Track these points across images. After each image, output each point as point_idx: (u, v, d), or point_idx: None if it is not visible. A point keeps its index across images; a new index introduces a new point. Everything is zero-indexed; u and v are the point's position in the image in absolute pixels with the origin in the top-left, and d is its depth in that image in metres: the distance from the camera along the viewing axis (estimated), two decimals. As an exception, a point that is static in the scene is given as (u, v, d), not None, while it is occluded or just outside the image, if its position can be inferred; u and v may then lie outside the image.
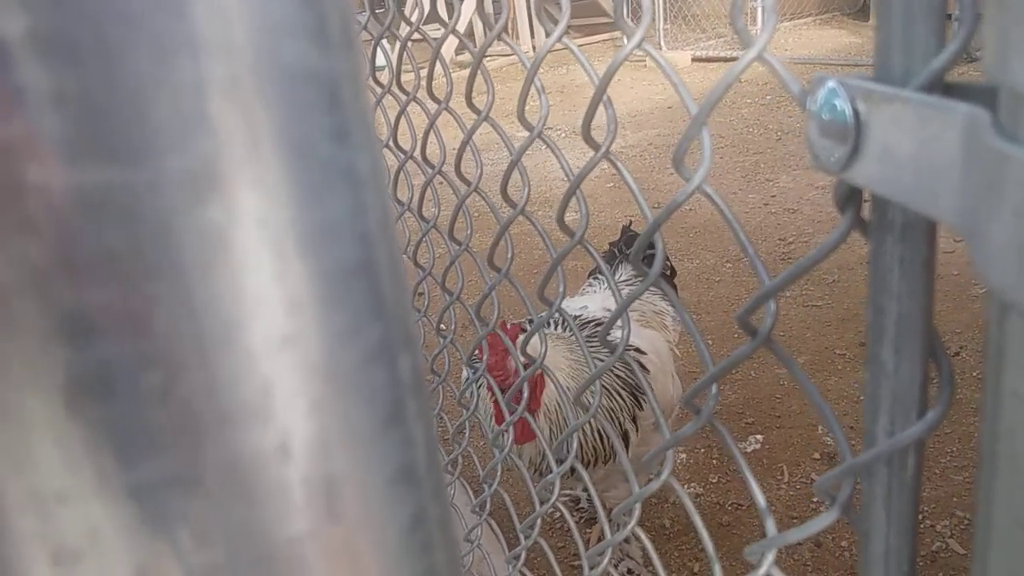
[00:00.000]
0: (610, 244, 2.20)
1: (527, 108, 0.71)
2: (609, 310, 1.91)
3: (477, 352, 1.24)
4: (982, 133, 0.29)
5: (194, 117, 0.17)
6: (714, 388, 0.63)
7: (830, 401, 2.53)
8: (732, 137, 5.10)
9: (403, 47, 0.99)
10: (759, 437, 2.47)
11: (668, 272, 2.24)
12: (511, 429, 1.09)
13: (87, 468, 0.18)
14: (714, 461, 2.40)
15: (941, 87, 0.38)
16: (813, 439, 2.42)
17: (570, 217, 0.80)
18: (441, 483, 0.25)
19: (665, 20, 8.24)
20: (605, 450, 1.62)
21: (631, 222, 2.35)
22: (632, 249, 0.66)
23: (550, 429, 1.52)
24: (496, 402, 1.30)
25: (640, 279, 2.10)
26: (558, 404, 1.50)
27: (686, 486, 2.35)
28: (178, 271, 0.17)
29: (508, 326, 1.43)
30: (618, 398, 1.63)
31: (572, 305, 1.92)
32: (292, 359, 0.19)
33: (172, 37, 0.16)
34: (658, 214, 0.61)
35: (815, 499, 2.15)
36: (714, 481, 2.32)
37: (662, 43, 8.28)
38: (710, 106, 0.52)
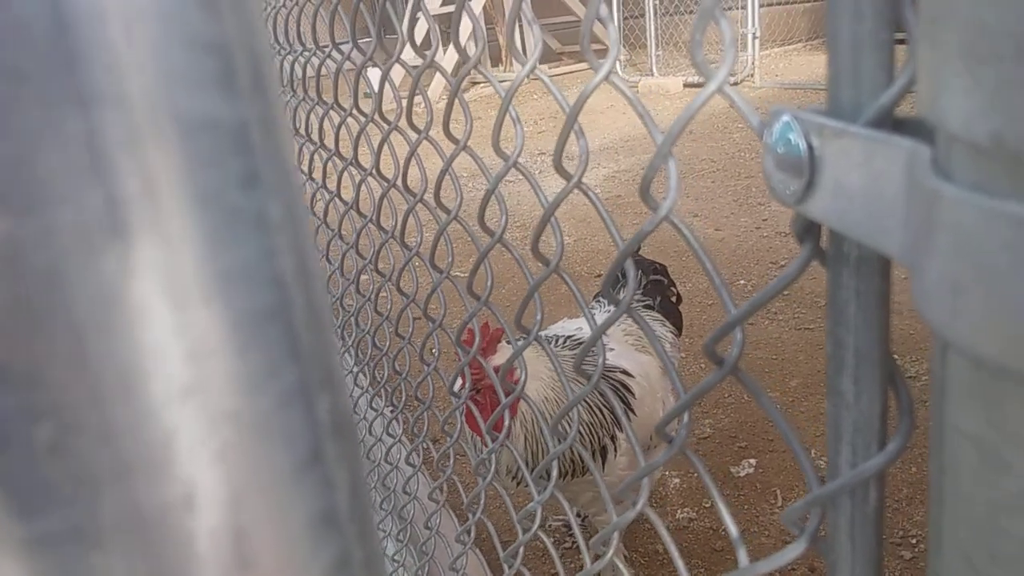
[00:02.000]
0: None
1: (530, 134, 0.72)
2: (606, 333, 1.91)
3: (460, 379, 1.24)
4: (920, 170, 0.29)
5: (85, 168, 0.17)
6: (686, 417, 0.63)
7: (821, 425, 2.52)
8: (724, 161, 5.12)
9: (416, 79, 0.98)
10: (752, 461, 2.46)
11: (675, 299, 2.24)
12: (492, 457, 1.08)
13: (-18, 522, 0.17)
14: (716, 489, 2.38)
15: (890, 121, 0.38)
16: (827, 456, 2.41)
17: (565, 241, 0.80)
18: (368, 525, 0.24)
19: (657, 47, 8.32)
20: (584, 461, 1.62)
21: (639, 248, 2.35)
22: (603, 278, 0.66)
23: (524, 438, 1.52)
24: (472, 402, 1.32)
25: (642, 304, 2.11)
26: (538, 413, 1.51)
27: (680, 511, 2.33)
28: (70, 323, 0.17)
29: (491, 329, 1.44)
30: (598, 414, 1.63)
31: (568, 327, 1.92)
32: (196, 408, 0.19)
33: (61, 91, 0.16)
34: (627, 244, 0.61)
35: (806, 518, 2.13)
36: (708, 506, 2.30)
37: (654, 69, 8.35)
38: (673, 138, 0.52)
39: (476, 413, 1.26)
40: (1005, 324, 0.24)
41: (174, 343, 0.18)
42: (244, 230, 0.19)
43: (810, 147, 0.41)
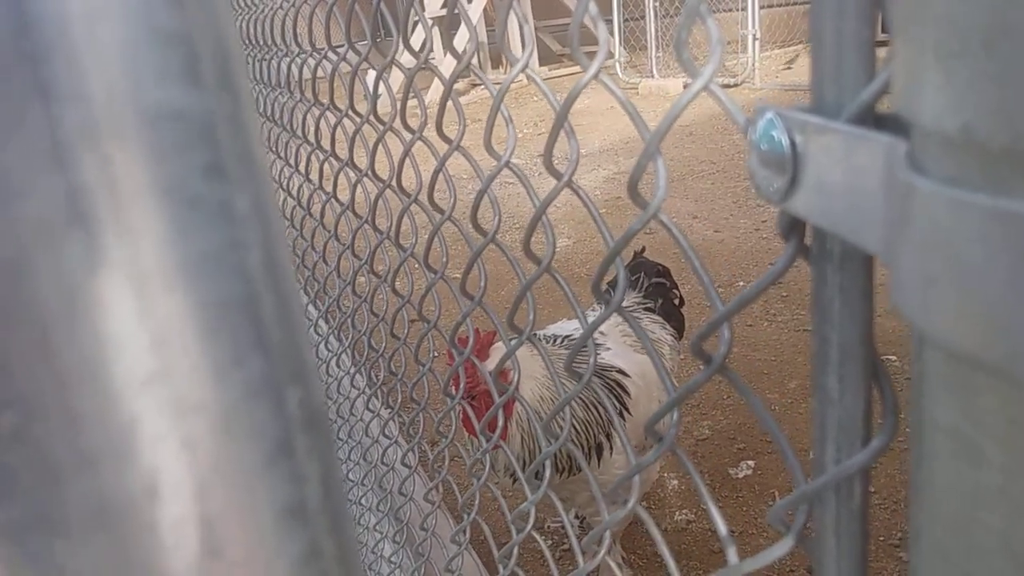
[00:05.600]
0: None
1: (530, 136, 0.72)
2: (603, 333, 1.91)
3: (453, 382, 1.24)
4: (896, 165, 0.30)
5: (46, 161, 0.17)
6: (675, 415, 0.63)
7: (821, 426, 2.52)
8: (723, 163, 5.13)
9: (410, 80, 0.98)
10: (751, 463, 2.45)
11: (677, 301, 2.24)
12: (487, 457, 1.08)
13: (-55, 511, 0.17)
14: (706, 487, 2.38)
15: (872, 118, 0.38)
16: (805, 464, 2.40)
17: (562, 243, 0.81)
18: (341, 518, 0.24)
19: (657, 48, 8.33)
20: (583, 456, 1.63)
21: (644, 248, 2.35)
22: (593, 277, 0.66)
23: (521, 438, 1.52)
24: (468, 405, 1.32)
25: (643, 306, 2.10)
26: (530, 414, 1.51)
27: (678, 512, 2.33)
28: (33, 313, 0.17)
29: (482, 333, 1.44)
30: (594, 411, 1.63)
31: (566, 327, 1.92)
32: (159, 396, 0.19)
33: (22, 86, 0.16)
34: (616, 243, 0.61)
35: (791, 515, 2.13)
36: (706, 508, 2.30)
37: (654, 71, 8.36)
38: (659, 136, 0.52)
39: (472, 416, 1.27)
40: (977, 316, 0.24)
41: (137, 331, 0.18)
42: (208, 220, 0.19)
43: (793, 144, 0.41)
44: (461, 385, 1.22)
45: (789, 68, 8.32)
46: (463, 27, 5.94)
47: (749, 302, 0.48)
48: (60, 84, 0.17)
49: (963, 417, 0.27)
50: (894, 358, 2.57)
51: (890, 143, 0.32)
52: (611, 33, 8.58)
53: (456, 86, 0.87)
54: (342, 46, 1.21)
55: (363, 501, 1.80)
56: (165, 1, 0.18)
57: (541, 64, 9.55)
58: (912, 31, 0.28)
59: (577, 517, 2.32)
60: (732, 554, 0.60)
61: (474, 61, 0.82)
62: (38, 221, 0.17)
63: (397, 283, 1.29)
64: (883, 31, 0.39)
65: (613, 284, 2.01)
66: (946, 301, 0.26)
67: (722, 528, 0.61)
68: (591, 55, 0.59)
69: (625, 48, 8.85)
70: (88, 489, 0.18)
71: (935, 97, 0.26)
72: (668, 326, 2.12)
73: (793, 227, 0.45)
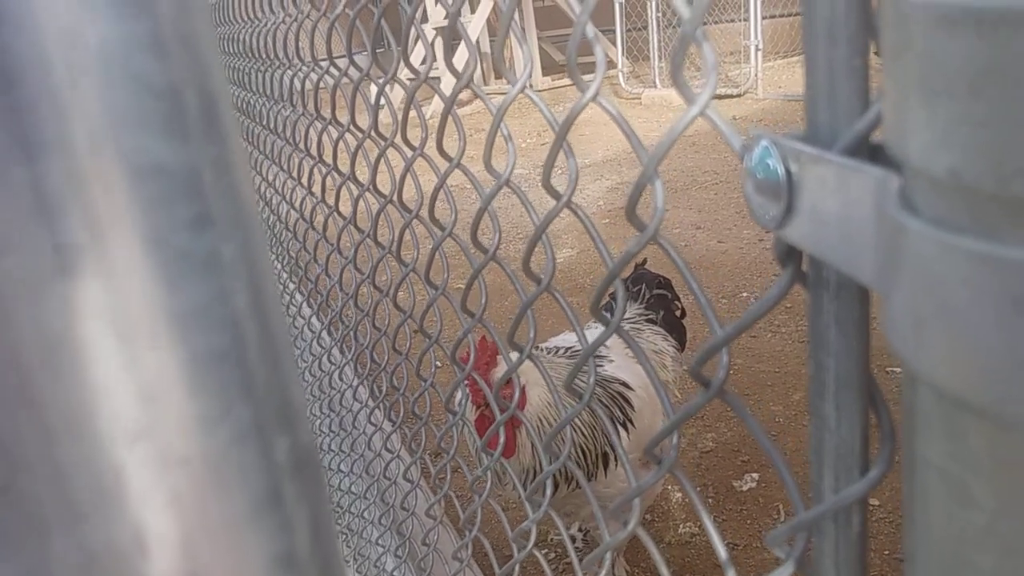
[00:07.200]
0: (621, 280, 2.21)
1: (533, 145, 0.72)
2: (606, 345, 1.91)
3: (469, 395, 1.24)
4: (888, 201, 0.30)
5: (31, 214, 0.17)
6: (675, 438, 0.63)
7: (825, 438, 2.51)
8: (726, 173, 5.13)
9: (411, 96, 0.99)
10: (755, 476, 2.45)
11: (679, 313, 2.23)
12: (488, 474, 1.08)
13: (-73, 567, 0.17)
14: (710, 500, 2.37)
15: (867, 148, 0.38)
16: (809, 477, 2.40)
17: (565, 254, 0.81)
18: (331, 564, 0.24)
19: (660, 59, 8.34)
20: (587, 465, 1.62)
21: (645, 260, 2.34)
22: (592, 299, 0.66)
23: (532, 445, 1.52)
24: (480, 418, 1.32)
25: (645, 318, 2.10)
26: (540, 419, 1.51)
27: (682, 526, 2.32)
28: (15, 364, 0.17)
29: (488, 342, 1.44)
30: (600, 419, 1.63)
31: (569, 339, 1.92)
32: (146, 449, 0.19)
33: (5, 139, 0.16)
34: (614, 265, 0.61)
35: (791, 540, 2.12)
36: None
37: (657, 81, 8.37)
38: (658, 159, 0.52)
39: (473, 431, 1.26)
40: (966, 358, 0.24)
41: (123, 382, 0.18)
42: (194, 272, 0.19)
43: (788, 172, 0.41)
44: (467, 401, 1.22)
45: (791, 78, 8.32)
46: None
47: (747, 327, 0.48)
48: (44, 136, 0.17)
49: (952, 457, 0.27)
50: (899, 370, 2.55)
51: (882, 177, 0.32)
52: (613, 43, 8.59)
53: (458, 96, 0.88)
54: (343, 57, 1.22)
55: (365, 514, 1.80)
56: (148, 51, 0.18)
57: (544, 74, 9.54)
58: (898, 66, 0.28)
59: (581, 530, 2.32)
60: (731, 577, 0.60)
61: (476, 73, 0.82)
62: (22, 273, 0.17)
63: (399, 295, 1.29)
64: (877, 54, 0.39)
65: (614, 296, 2.01)
66: (935, 342, 0.26)
67: (722, 552, 0.61)
68: (589, 71, 0.59)
69: (628, 58, 8.86)
70: (75, 543, 0.18)
71: (921, 136, 0.26)
72: (670, 338, 2.12)
73: (790, 253, 0.45)
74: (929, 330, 0.26)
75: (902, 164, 0.29)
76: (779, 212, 0.42)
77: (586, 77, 0.60)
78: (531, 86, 0.69)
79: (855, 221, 0.35)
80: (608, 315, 0.67)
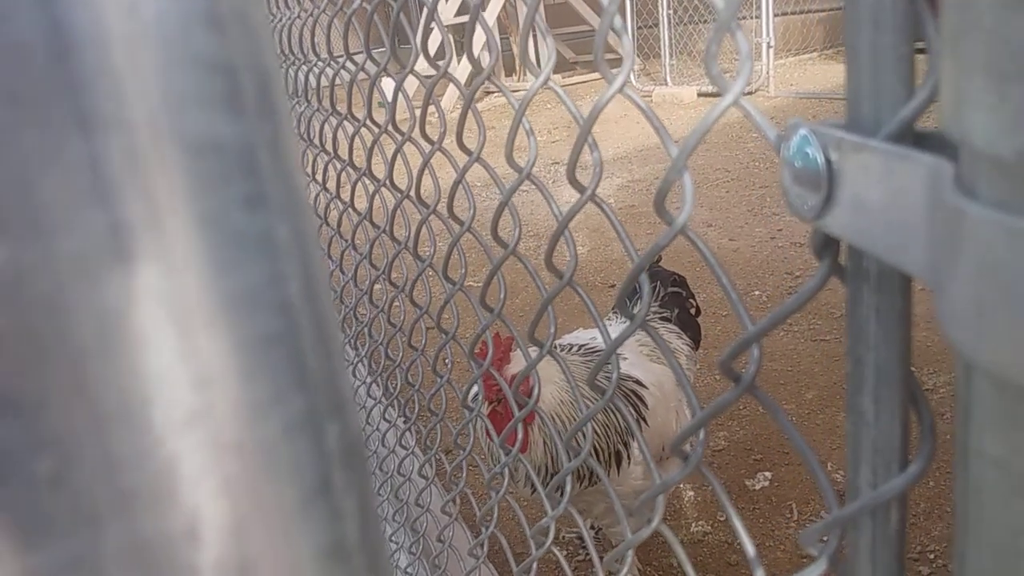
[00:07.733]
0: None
1: (544, 143, 0.71)
2: (621, 343, 1.90)
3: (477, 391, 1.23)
4: (942, 187, 0.29)
5: (87, 194, 0.16)
6: (701, 434, 0.62)
7: (838, 438, 2.49)
8: (738, 171, 5.10)
9: (429, 91, 0.98)
10: (768, 474, 2.43)
11: (693, 311, 2.22)
12: (504, 471, 1.08)
13: (-18, 553, 0.17)
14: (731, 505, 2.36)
15: (911, 136, 0.37)
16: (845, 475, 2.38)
17: (577, 251, 0.80)
18: (378, 555, 0.24)
19: (671, 56, 8.32)
20: (602, 463, 1.62)
21: (659, 257, 2.33)
22: (617, 293, 0.65)
23: (544, 442, 1.51)
24: (492, 413, 1.32)
25: (660, 316, 2.09)
26: (552, 417, 1.51)
27: (694, 524, 2.31)
28: (72, 351, 0.17)
29: (502, 338, 1.44)
30: (614, 416, 1.62)
31: (582, 336, 1.91)
32: (200, 436, 0.18)
33: (62, 116, 0.16)
34: (641, 258, 0.60)
35: (825, 538, 2.11)
36: (723, 519, 2.28)
37: (668, 79, 8.34)
38: (688, 152, 0.51)
39: (490, 426, 1.26)
40: (1033, 348, 0.23)
41: (178, 370, 0.18)
42: (250, 253, 0.19)
43: (828, 161, 0.40)
44: (481, 395, 1.21)
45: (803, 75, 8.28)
46: (476, 35, 5.97)
47: (781, 322, 0.47)
48: (102, 112, 0.16)
49: (1012, 450, 0.26)
50: (913, 369, 2.53)
51: (935, 164, 0.31)
52: (624, 40, 8.56)
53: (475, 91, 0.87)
54: (360, 53, 1.21)
55: (379, 511, 1.80)
56: (205, 26, 0.18)
57: (554, 73, 9.54)
58: (961, 49, 0.27)
59: (592, 528, 2.31)
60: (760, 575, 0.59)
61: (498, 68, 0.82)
62: (78, 256, 0.16)
63: (415, 294, 1.29)
64: (918, 39, 0.38)
65: (630, 295, 2.00)
66: (998, 330, 0.25)
67: (750, 549, 0.60)
68: (613, 63, 0.58)
69: (639, 56, 8.83)
70: (127, 532, 0.18)
71: (987, 119, 0.25)
72: (684, 336, 2.11)
73: (827, 245, 0.44)
74: (991, 318, 0.25)
75: (960, 148, 0.28)
76: (818, 202, 0.41)
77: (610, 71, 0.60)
78: (543, 84, 0.68)
79: (902, 210, 0.34)
80: (633, 312, 0.67)
